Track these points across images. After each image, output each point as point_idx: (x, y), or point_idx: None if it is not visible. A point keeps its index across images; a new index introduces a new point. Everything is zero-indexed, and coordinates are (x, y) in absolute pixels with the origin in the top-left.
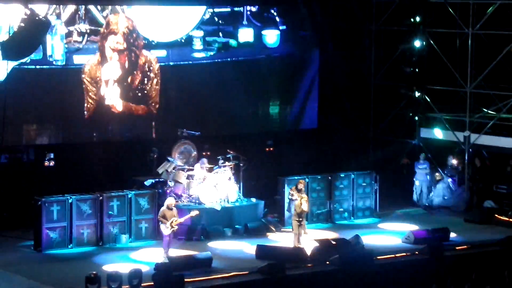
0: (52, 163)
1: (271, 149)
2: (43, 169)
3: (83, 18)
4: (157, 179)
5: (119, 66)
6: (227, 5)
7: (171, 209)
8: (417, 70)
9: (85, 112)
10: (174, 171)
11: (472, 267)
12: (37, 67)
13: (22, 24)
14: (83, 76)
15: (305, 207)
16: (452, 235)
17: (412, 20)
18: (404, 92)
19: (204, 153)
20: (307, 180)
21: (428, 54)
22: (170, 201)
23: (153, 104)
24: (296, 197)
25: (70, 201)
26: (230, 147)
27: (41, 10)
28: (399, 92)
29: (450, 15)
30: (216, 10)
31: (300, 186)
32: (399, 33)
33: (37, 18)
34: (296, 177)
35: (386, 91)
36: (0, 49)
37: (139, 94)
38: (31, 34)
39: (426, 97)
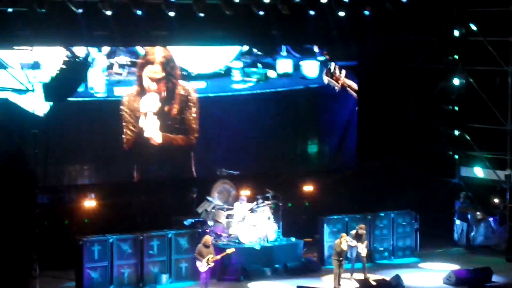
0: (93, 203)
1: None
2: (84, 209)
3: (124, 50)
4: (196, 219)
5: (157, 98)
6: (264, 45)
7: (208, 247)
8: (456, 108)
9: (124, 144)
10: (213, 210)
11: None
12: (79, 99)
13: (64, 66)
14: (121, 107)
15: (344, 246)
16: (494, 275)
17: (451, 58)
18: (443, 130)
19: (243, 193)
20: (346, 219)
21: (467, 92)
22: (206, 238)
23: (192, 133)
24: (355, 243)
25: (110, 240)
26: (269, 186)
27: (81, 49)
28: (438, 130)
29: (489, 52)
30: (255, 46)
31: (361, 231)
32: (438, 71)
33: (77, 59)
34: (335, 217)
35: (426, 129)
36: (42, 91)
37: (178, 124)
38: (72, 76)
39: (466, 135)
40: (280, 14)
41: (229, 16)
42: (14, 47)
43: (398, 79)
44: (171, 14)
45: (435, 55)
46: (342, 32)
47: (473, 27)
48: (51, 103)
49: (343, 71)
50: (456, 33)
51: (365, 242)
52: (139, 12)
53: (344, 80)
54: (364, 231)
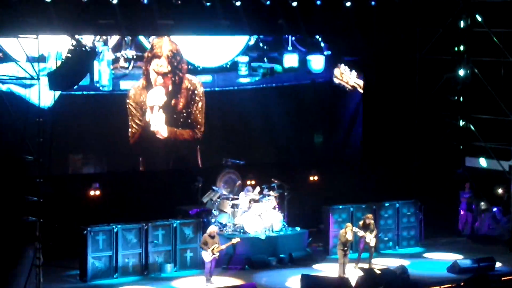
0: (97, 193)
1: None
2: (89, 198)
3: (130, 44)
4: (202, 208)
5: (163, 91)
6: (270, 35)
7: (213, 237)
8: (461, 99)
9: (130, 138)
10: (218, 200)
11: None
12: (84, 93)
13: (69, 55)
14: (128, 101)
15: (349, 236)
16: (498, 265)
17: (456, 49)
18: (448, 121)
19: (248, 183)
20: (351, 209)
21: (473, 83)
22: (212, 229)
23: (198, 127)
24: (363, 233)
25: (115, 230)
26: (274, 176)
27: (88, 38)
28: (443, 121)
29: (494, 44)
30: (261, 35)
31: (368, 221)
32: (444, 62)
33: (83, 48)
34: (340, 206)
35: (431, 120)
36: (47, 79)
37: (184, 118)
38: (78, 65)
39: (471, 126)
40: (286, 4)
41: (235, 5)
42: (19, 35)
43: (403, 69)
44: (178, 2)
45: (440, 45)
46: (348, 22)
47: (479, 18)
48: (56, 96)
49: (353, 72)
50: (462, 24)
51: (374, 232)
52: (145, 1)
53: (354, 81)
54: (371, 221)
